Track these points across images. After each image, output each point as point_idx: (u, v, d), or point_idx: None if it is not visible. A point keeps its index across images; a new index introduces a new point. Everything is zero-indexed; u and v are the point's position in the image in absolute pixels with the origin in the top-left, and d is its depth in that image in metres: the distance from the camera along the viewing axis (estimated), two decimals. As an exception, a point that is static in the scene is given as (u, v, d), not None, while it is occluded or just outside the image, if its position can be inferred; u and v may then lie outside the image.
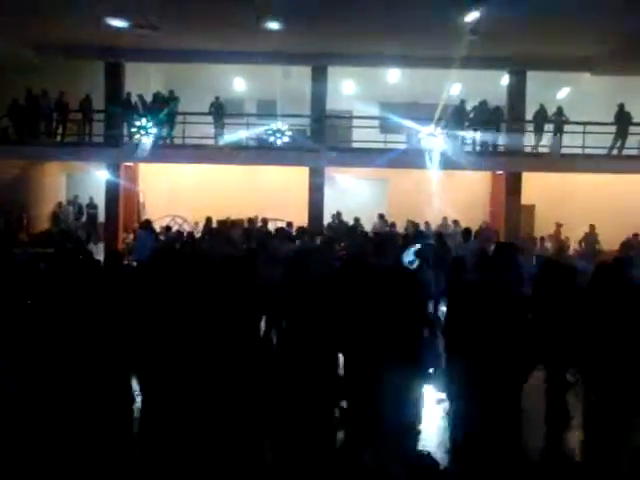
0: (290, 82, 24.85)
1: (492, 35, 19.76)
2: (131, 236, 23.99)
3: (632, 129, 24.15)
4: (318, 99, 24.55)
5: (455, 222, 23.36)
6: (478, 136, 24.13)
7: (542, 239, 21.98)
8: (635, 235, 21.28)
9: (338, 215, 23.16)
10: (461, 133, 23.77)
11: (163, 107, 23.68)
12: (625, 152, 24.43)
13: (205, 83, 24.84)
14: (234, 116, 25.70)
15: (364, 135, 24.59)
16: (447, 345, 8.17)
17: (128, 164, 24.74)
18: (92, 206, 25.61)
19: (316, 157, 23.52)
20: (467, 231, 16.46)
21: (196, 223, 23.18)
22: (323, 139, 24.63)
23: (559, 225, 22.94)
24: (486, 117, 24.04)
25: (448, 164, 22.98)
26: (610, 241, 22.08)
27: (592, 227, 22.41)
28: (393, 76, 25.54)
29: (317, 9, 18.43)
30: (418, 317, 7.89)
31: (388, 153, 23.16)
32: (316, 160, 23.58)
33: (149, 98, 23.96)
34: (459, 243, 16.40)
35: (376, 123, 26.12)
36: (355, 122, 26.49)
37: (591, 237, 22.38)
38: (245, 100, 27.55)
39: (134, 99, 23.76)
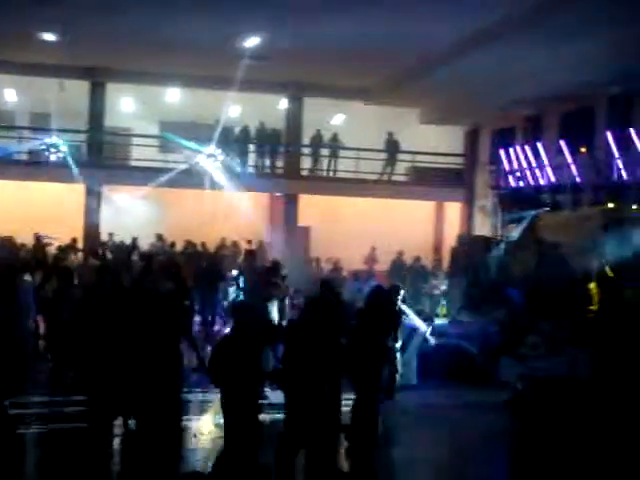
0: (66, 96, 24.02)
1: (271, 60, 20.22)
2: None
3: (401, 156, 25.61)
4: (96, 115, 23.96)
5: (234, 243, 23.55)
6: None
7: (317, 260, 22.73)
8: (400, 253, 22.69)
9: (111, 236, 22.69)
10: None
11: None
12: (395, 178, 25.85)
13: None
14: (4, 128, 24.44)
15: (144, 154, 24.28)
16: None
17: None
18: None
19: (92, 174, 22.87)
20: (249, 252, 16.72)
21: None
22: (100, 156, 24.04)
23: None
24: (264, 139, 24.57)
25: (227, 185, 23.16)
26: (379, 260, 23.30)
27: (372, 249, 23.75)
28: (173, 95, 25.41)
29: (94, 23, 17.96)
30: None
31: (167, 172, 23.01)
32: (92, 177, 22.91)
33: None
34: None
35: (156, 142, 25.82)
36: (135, 140, 26.08)
37: (370, 258, 23.71)
38: (16, 112, 26.22)
39: None
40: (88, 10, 16.78)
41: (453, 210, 26.99)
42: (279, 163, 25.42)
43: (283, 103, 25.39)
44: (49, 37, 19.24)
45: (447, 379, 11.86)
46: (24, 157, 24.18)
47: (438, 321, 14.01)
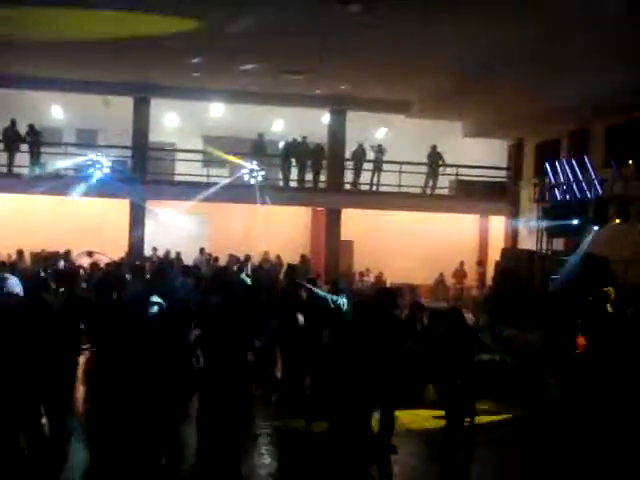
0: (112, 112, 24.36)
1: (314, 75, 20.26)
2: None
3: (444, 170, 25.45)
4: (140, 130, 24.22)
5: (277, 257, 23.65)
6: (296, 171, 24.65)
7: (361, 274, 22.73)
8: (461, 264, 22.76)
9: (155, 250, 22.90)
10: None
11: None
12: (438, 192, 25.70)
13: (21, 110, 23.77)
14: (51, 145, 24.83)
15: (187, 168, 24.49)
16: None
17: None
18: None
19: (137, 189, 23.11)
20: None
21: (9, 255, 22.08)
22: (145, 171, 24.30)
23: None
24: (307, 153, 24.59)
25: (270, 199, 23.23)
26: (421, 275, 23.17)
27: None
28: (216, 110, 25.59)
29: (138, 39, 18.16)
30: None
31: (210, 187, 23.18)
32: (136, 192, 23.15)
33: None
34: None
35: (199, 157, 26.01)
36: (178, 155, 26.31)
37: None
38: (64, 129, 26.64)
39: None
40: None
41: (497, 224, 26.71)
42: (322, 177, 25.39)
43: (326, 117, 25.40)
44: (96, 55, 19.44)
45: (491, 395, 11.68)
46: (70, 173, 24.51)
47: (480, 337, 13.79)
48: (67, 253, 19.86)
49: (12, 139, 23.29)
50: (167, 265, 17.32)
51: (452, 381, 9.11)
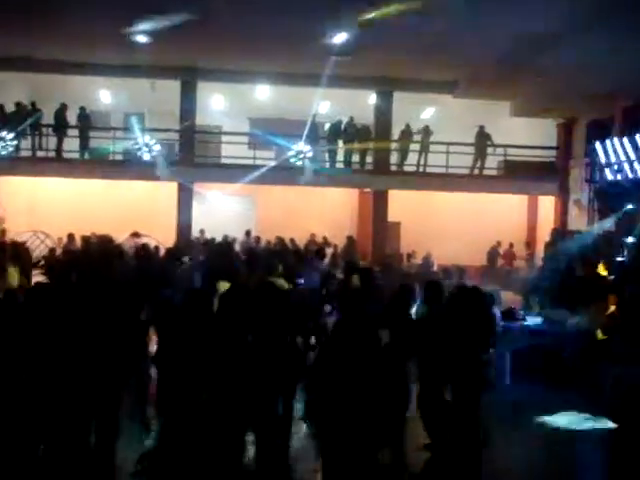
0: (158, 95, 24.49)
1: (360, 56, 20.11)
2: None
3: (491, 150, 25.12)
4: (187, 113, 24.30)
5: (324, 239, 23.63)
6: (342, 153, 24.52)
7: (408, 256, 22.58)
8: (497, 244, 22.47)
9: (202, 233, 23.03)
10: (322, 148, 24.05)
11: (25, 119, 22.88)
12: (486, 172, 25.39)
13: (69, 94, 24.06)
14: (100, 129, 25.07)
15: (233, 151, 24.54)
16: None
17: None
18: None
19: (184, 172, 23.25)
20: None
21: (59, 239, 22.42)
22: (192, 154, 24.42)
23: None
24: (354, 135, 24.43)
25: (316, 181, 23.20)
26: (469, 256, 22.93)
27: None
28: (262, 92, 25.59)
29: (184, 23, 18.20)
30: None
31: (257, 169, 23.20)
32: (184, 175, 23.30)
33: (10, 108, 23.04)
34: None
35: (245, 139, 26.03)
36: (224, 137, 26.38)
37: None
38: (112, 113, 26.90)
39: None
40: (179, 12, 17.01)
41: (547, 204, 26.33)
42: (368, 159, 25.25)
43: (372, 98, 25.22)
44: (141, 39, 19.52)
45: (540, 380, 11.54)
46: (119, 157, 24.76)
47: (531, 319, 13.59)
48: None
49: (62, 123, 23.51)
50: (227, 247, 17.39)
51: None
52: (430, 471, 8.45)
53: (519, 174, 25.06)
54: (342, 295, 10.27)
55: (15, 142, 22.45)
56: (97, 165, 22.91)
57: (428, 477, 8.43)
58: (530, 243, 25.60)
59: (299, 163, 23.19)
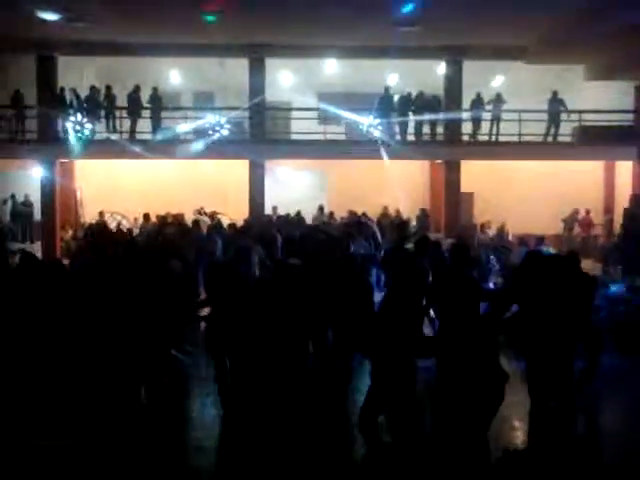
0: (227, 74, 24.64)
1: (428, 26, 19.85)
2: (69, 233, 23.57)
3: (565, 116, 24.51)
4: (256, 91, 24.38)
5: (397, 211, 23.59)
6: (412, 124, 24.27)
7: (482, 226, 22.34)
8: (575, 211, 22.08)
9: (274, 209, 23.18)
10: (393, 121, 23.82)
11: (100, 102, 23.35)
12: (560, 139, 24.83)
13: (140, 76, 24.35)
14: (171, 109, 25.35)
15: (303, 126, 24.55)
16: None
17: (64, 160, 24.22)
18: (27, 204, 25.01)
19: (255, 149, 23.39)
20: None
21: (135, 219, 22.88)
22: (262, 131, 24.53)
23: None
24: (424, 106, 24.15)
25: (387, 154, 23.05)
26: (545, 225, 22.57)
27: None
28: (330, 67, 25.49)
29: (251, 0, 18.26)
30: None
31: (327, 144, 23.16)
32: (255, 152, 23.42)
33: (83, 92, 23.48)
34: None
35: (314, 114, 26.03)
36: (294, 113, 26.41)
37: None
38: (181, 93, 27.17)
39: (68, 94, 23.26)
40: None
41: (625, 169, 25.63)
42: (439, 129, 24.95)
43: (441, 68, 24.88)
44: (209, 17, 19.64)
45: (624, 349, 11.31)
46: (190, 136, 25.03)
47: (613, 287, 13.31)
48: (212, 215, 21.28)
49: (136, 105, 23.85)
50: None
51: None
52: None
53: (595, 140, 24.40)
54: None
55: (91, 126, 22.84)
56: (170, 145, 23.15)
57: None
58: (609, 210, 25.05)
59: (370, 136, 23.07)
